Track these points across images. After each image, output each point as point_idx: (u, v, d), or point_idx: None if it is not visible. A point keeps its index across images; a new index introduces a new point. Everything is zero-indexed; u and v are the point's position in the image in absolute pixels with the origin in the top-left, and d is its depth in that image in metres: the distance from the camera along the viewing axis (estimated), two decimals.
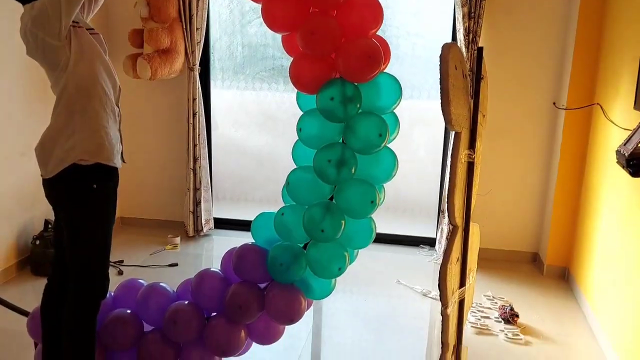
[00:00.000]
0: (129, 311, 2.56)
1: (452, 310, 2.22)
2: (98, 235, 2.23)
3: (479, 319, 3.34)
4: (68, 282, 2.27)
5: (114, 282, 3.35)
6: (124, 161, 2.33)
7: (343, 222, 2.42)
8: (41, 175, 2.22)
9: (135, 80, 4.25)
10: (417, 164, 4.45)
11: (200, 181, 4.51)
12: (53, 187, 2.18)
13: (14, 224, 3.68)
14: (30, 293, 3.44)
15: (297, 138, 2.53)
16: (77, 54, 2.09)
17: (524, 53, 3.88)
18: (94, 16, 2.38)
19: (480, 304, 3.53)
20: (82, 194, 2.17)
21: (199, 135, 4.42)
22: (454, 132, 2.02)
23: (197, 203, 4.54)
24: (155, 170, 4.71)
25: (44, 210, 3.90)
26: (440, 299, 2.13)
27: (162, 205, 4.76)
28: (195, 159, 4.46)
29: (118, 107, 2.29)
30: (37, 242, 3.66)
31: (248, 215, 4.69)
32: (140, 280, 2.72)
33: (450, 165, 2.03)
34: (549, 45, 3.84)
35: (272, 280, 2.56)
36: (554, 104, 3.90)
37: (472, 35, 3.69)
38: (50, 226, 3.75)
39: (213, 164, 4.73)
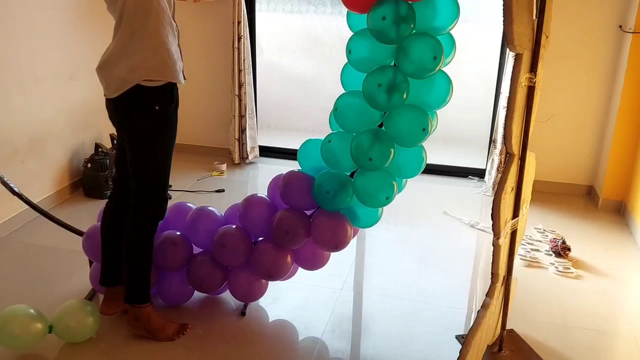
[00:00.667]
0: (178, 233, 2.61)
1: (504, 241, 2.16)
2: (159, 156, 2.27)
3: (528, 252, 3.28)
4: (129, 202, 2.33)
5: None
6: (184, 78, 2.30)
7: (392, 150, 2.35)
8: (104, 95, 2.22)
9: (179, 3, 4.15)
10: (467, 92, 4.28)
11: (246, 108, 4.47)
12: (116, 107, 2.20)
13: (67, 146, 3.76)
14: (84, 213, 3.55)
15: (346, 61, 2.44)
16: None
17: None
18: None
19: (530, 236, 3.46)
20: (145, 116, 2.17)
21: (244, 60, 4.35)
22: (514, 54, 1.89)
23: (242, 130, 4.52)
24: (201, 96, 4.70)
25: (95, 134, 3.97)
26: (493, 229, 2.07)
27: (208, 132, 4.77)
28: (240, 85, 4.40)
29: (175, 22, 2.23)
30: (89, 165, 3.74)
31: (292, 143, 4.68)
32: (189, 204, 2.76)
33: (510, 89, 1.91)
34: None
35: (319, 208, 2.55)
36: (620, 27, 3.63)
37: None
38: (100, 149, 3.81)
39: (258, 90, 4.67)
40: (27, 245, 3.19)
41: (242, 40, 4.28)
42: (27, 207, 2.73)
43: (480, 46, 4.23)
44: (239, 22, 4.24)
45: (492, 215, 2.04)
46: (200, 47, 4.56)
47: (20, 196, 2.58)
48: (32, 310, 2.30)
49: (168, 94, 2.20)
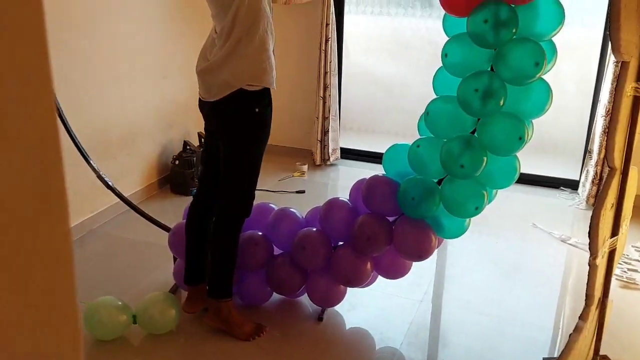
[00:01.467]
0: (260, 233, 2.62)
1: (601, 261, 2.01)
2: (254, 156, 2.33)
3: (625, 272, 3.05)
4: (215, 199, 2.38)
5: None
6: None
7: (485, 158, 2.24)
8: (202, 98, 2.29)
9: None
10: (562, 97, 4.04)
11: (329, 110, 4.46)
12: (217, 110, 2.25)
13: (156, 143, 3.88)
14: (170, 209, 3.65)
15: (435, 65, 2.36)
16: None
17: None
18: None
19: (628, 255, 3.22)
20: (245, 118, 2.25)
21: (330, 62, 4.34)
22: (620, 62, 1.75)
23: (325, 132, 4.52)
24: (286, 96, 4.73)
25: (183, 132, 4.09)
26: (589, 247, 1.93)
27: (292, 133, 4.79)
28: (325, 87, 4.40)
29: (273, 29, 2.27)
30: (177, 162, 3.85)
31: (375, 146, 4.62)
32: (271, 205, 2.76)
33: (614, 99, 1.77)
34: None
35: (403, 214, 2.48)
36: None
37: None
38: (188, 147, 3.92)
39: (342, 92, 4.64)
40: (116, 238, 3.32)
41: (330, 42, 4.28)
42: (118, 200, 2.84)
43: (578, 49, 3.98)
44: (327, 24, 4.23)
45: (589, 233, 1.90)
46: (287, 49, 4.60)
47: (114, 190, 2.68)
48: (119, 302, 2.39)
49: (266, 97, 2.28)
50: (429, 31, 4.25)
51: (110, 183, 2.65)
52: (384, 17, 4.44)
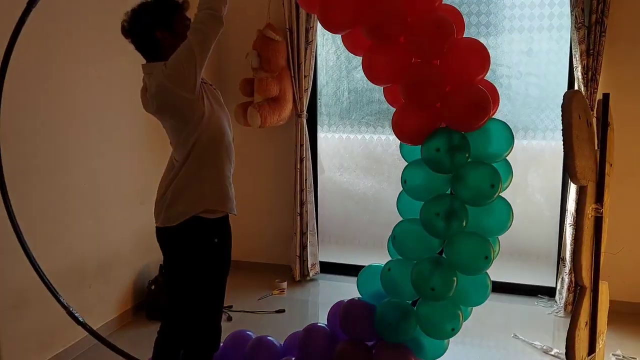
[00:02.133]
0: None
1: None
2: (210, 286, 2.28)
3: None
4: (179, 333, 2.31)
5: (225, 329, 3.41)
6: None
7: (455, 279, 2.29)
8: (156, 225, 2.27)
9: (245, 128, 4.39)
10: (532, 207, 4.17)
11: (307, 225, 4.52)
12: (171, 236, 2.22)
13: (132, 268, 3.87)
14: (145, 338, 3.56)
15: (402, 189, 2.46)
16: (209, 106, 2.17)
17: None
18: (207, 67, 2.48)
19: None
20: (201, 246, 2.21)
21: (305, 180, 4.46)
22: (578, 186, 1.85)
23: (303, 247, 4.55)
24: (263, 214, 4.81)
25: (160, 256, 4.07)
26: None
27: (270, 249, 4.82)
28: (302, 204, 4.49)
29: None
30: (152, 287, 3.82)
31: (354, 259, 4.65)
32: (248, 332, 2.73)
33: (576, 222, 1.86)
34: None
35: (381, 339, 2.47)
36: None
37: (591, 73, 3.44)
38: (164, 271, 3.90)
39: (319, 207, 4.74)
40: None
41: (305, 161, 4.43)
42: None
43: (543, 161, 4.16)
44: (301, 145, 4.40)
45: (566, 354, 1.91)
46: (264, 168, 4.74)
47: (84, 325, 2.64)
48: None
49: (223, 224, 2.27)
50: (398, 147, 4.43)
51: (80, 319, 2.61)
52: (355, 134, 4.64)
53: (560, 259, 3.93)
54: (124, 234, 3.77)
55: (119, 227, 3.72)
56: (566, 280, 3.80)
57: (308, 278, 4.61)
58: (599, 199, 1.97)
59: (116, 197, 3.67)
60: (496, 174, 2.20)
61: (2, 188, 2.39)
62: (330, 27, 2.29)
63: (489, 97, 2.14)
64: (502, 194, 2.34)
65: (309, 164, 4.48)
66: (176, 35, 2.15)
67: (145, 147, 3.91)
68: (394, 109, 2.42)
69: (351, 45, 2.37)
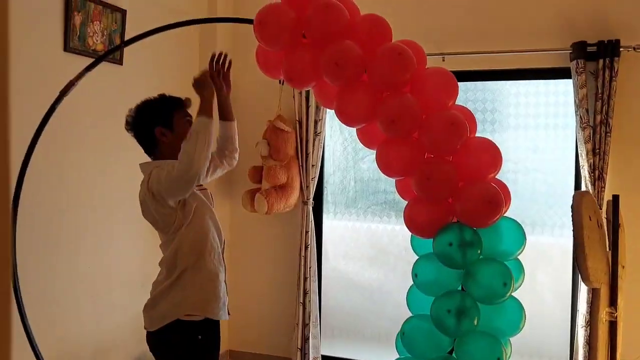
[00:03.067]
0: None
1: None
2: None
3: None
4: None
5: None
6: (229, 313, 2.32)
7: None
8: (145, 328, 2.26)
9: (251, 214, 4.40)
10: (542, 307, 4.08)
11: (310, 316, 4.42)
12: (157, 340, 2.22)
13: (129, 356, 3.75)
14: None
15: (412, 283, 2.42)
16: (189, 215, 2.17)
17: None
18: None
19: None
20: (185, 347, 2.18)
21: (309, 268, 4.41)
22: (591, 289, 1.82)
23: (305, 339, 4.42)
24: (265, 302, 4.71)
25: None
26: None
27: (270, 340, 4.68)
28: (305, 293, 4.41)
29: (223, 259, 2.33)
30: None
31: (358, 354, 4.50)
32: None
33: (590, 327, 1.81)
34: None
35: None
36: None
37: (597, 172, 3.48)
38: None
39: (323, 297, 4.65)
40: None
41: (309, 248, 4.40)
42: None
43: (553, 258, 4.12)
44: (306, 232, 4.39)
45: None
46: (269, 254, 4.70)
47: None
48: None
49: (210, 328, 2.23)
50: (405, 237, 4.39)
51: None
52: (361, 223, 4.64)
53: None
54: (122, 319, 3.69)
55: (117, 311, 3.64)
56: None
57: None
58: (613, 302, 1.93)
59: (117, 280, 3.61)
60: (508, 272, 2.18)
61: (14, 278, 2.37)
62: (347, 121, 2.36)
63: (501, 195, 2.16)
64: (514, 294, 2.30)
65: (313, 251, 4.45)
66: (176, 133, 2.24)
67: (148, 228, 3.90)
68: (400, 199, 2.43)
69: (365, 139, 2.43)
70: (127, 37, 3.38)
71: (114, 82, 3.45)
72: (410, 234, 2.47)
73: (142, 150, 2.37)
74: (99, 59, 2.70)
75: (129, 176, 3.65)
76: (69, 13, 2.99)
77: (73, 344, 3.26)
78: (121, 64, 3.47)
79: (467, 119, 2.24)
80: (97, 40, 3.21)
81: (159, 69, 3.90)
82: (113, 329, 3.60)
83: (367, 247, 4.71)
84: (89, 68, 2.55)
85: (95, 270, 3.43)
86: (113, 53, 3.24)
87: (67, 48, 3.03)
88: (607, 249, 1.95)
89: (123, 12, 3.40)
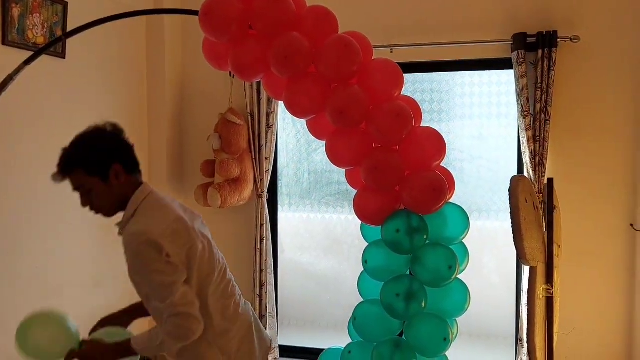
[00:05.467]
0: None
1: None
2: None
3: None
4: None
5: None
6: None
7: None
8: None
9: (205, 208, 4.40)
10: (488, 288, 4.24)
11: (266, 307, 4.45)
12: None
13: None
14: None
15: (363, 269, 2.49)
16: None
17: (594, 175, 3.74)
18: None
19: None
20: None
21: (265, 260, 4.44)
22: (529, 267, 1.93)
23: None
24: None
25: None
26: None
27: None
28: (261, 285, 4.44)
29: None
30: None
31: (315, 342, 4.57)
32: None
33: (528, 303, 1.91)
34: (620, 165, 3.71)
35: None
36: (632, 225, 3.69)
37: (538, 158, 3.64)
38: None
39: (279, 288, 4.69)
40: None
41: (265, 241, 4.42)
42: None
43: (498, 241, 4.29)
44: (261, 225, 4.42)
45: None
46: (223, 249, 4.63)
47: None
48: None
49: None
50: (358, 227, 4.49)
51: None
52: (316, 214, 4.70)
53: (518, 339, 3.97)
54: (76, 317, 3.62)
55: (71, 310, 3.57)
56: None
57: None
58: (549, 279, 2.04)
59: (69, 279, 3.56)
60: (453, 255, 2.27)
61: None
62: (296, 113, 2.40)
63: (445, 182, 2.25)
64: (459, 276, 2.40)
65: (269, 243, 4.48)
66: (124, 183, 1.94)
67: (101, 226, 3.85)
68: (354, 190, 2.49)
69: (315, 129, 2.48)
70: (69, 30, 3.32)
71: (56, 76, 3.38)
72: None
73: None
74: (38, 51, 2.63)
75: None
76: (7, 5, 2.91)
77: None
78: (64, 58, 3.39)
79: (412, 109, 2.32)
80: (37, 33, 3.14)
81: (104, 63, 3.83)
82: None
83: (322, 237, 4.79)
84: (28, 61, 2.49)
85: (45, 271, 3.37)
86: (54, 46, 3.16)
87: (5, 41, 2.95)
88: (543, 230, 2.06)
89: (64, 4, 3.32)
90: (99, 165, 1.87)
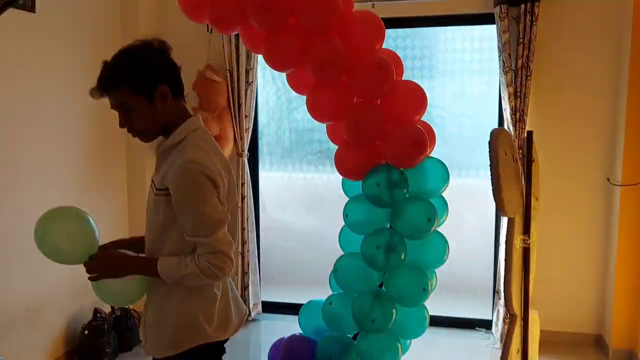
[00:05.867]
0: None
1: None
2: None
3: None
4: None
5: None
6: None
7: (394, 310, 2.33)
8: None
9: None
10: (468, 243, 4.31)
11: (249, 265, 4.49)
12: None
13: (64, 313, 3.70)
14: None
15: (344, 223, 2.51)
16: None
17: (573, 130, 3.79)
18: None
19: None
20: None
21: (247, 218, 4.45)
22: (507, 218, 1.95)
23: (244, 287, 4.50)
24: None
25: (94, 299, 3.92)
26: None
27: None
28: (243, 243, 4.46)
29: None
30: (86, 332, 3.66)
31: (297, 298, 4.62)
32: None
33: (505, 253, 1.95)
34: (598, 121, 3.76)
35: None
36: (608, 180, 3.76)
37: (519, 114, 3.65)
38: (99, 315, 3.75)
39: (261, 246, 4.72)
40: None
41: (246, 200, 4.42)
42: None
43: (477, 198, 4.34)
44: (242, 184, 4.40)
45: None
46: None
47: None
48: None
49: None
50: (339, 186, 4.51)
51: None
52: (297, 173, 4.70)
53: (495, 292, 4.06)
54: (56, 278, 3.61)
55: (50, 270, 3.53)
56: (501, 312, 3.92)
57: (250, 318, 4.54)
58: (526, 230, 2.08)
59: None
60: (432, 208, 2.29)
61: None
62: (275, 66, 2.36)
63: (426, 136, 2.25)
64: (439, 229, 2.43)
65: (250, 202, 4.48)
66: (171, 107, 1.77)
67: (79, 186, 3.80)
68: (335, 149, 2.48)
69: (295, 84, 2.45)
70: None
71: (26, 31, 3.27)
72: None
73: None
74: (5, 4, 2.53)
75: (50, 129, 3.53)
76: None
77: (3, 304, 3.19)
78: (33, 12, 3.28)
79: (393, 62, 2.30)
80: None
81: (76, 17, 3.70)
82: (45, 287, 3.53)
83: (304, 196, 4.79)
84: None
85: (23, 227, 3.33)
86: None
87: None
88: (522, 182, 2.08)
89: None
90: (145, 85, 1.68)
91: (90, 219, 1.90)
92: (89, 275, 1.82)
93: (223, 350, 1.94)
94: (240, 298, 2.03)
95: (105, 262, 1.82)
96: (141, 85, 1.67)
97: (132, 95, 1.68)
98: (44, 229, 1.87)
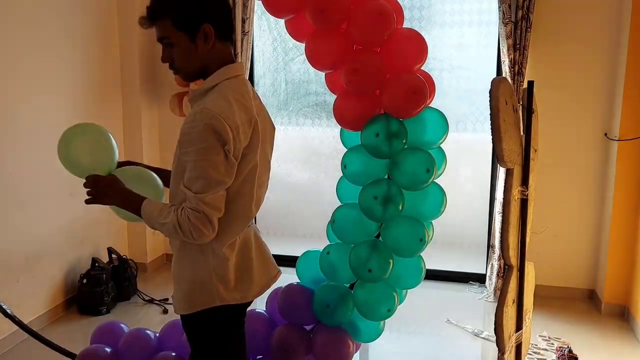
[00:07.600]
0: (173, 354, 2.53)
1: (509, 355, 2.10)
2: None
3: None
4: None
5: (159, 321, 3.36)
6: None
7: (391, 261, 2.35)
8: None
9: (180, 119, 4.32)
10: (464, 198, 4.33)
11: None
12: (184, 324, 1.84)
13: (63, 262, 3.73)
14: (78, 333, 3.46)
15: (342, 174, 2.50)
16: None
17: (572, 83, 3.76)
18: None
19: (536, 344, 3.36)
20: (215, 337, 1.81)
21: None
22: (505, 169, 1.94)
23: None
24: None
25: (92, 249, 3.96)
26: (497, 345, 2.02)
27: None
28: None
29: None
30: (84, 280, 3.70)
31: (293, 250, 4.67)
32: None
33: (503, 203, 1.95)
34: (598, 75, 3.72)
35: (319, 322, 2.50)
36: (606, 134, 3.75)
37: (517, 67, 3.61)
38: (97, 264, 3.78)
39: None
40: None
41: None
42: (19, 328, 2.67)
43: (474, 152, 4.34)
44: None
45: (495, 330, 2.00)
46: None
47: (12, 318, 2.53)
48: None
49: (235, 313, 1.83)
50: (336, 139, 4.49)
51: (8, 311, 2.50)
52: (293, 126, 4.67)
53: (490, 246, 4.11)
54: (53, 227, 3.63)
55: (48, 220, 3.57)
56: (495, 266, 3.98)
57: None
58: (525, 182, 2.07)
59: (44, 189, 3.52)
60: (431, 159, 2.28)
61: None
62: (274, 12, 2.30)
63: (426, 85, 2.22)
64: (436, 181, 2.43)
65: None
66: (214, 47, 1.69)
67: None
68: (332, 102, 2.45)
69: (294, 30, 2.39)
70: None
71: None
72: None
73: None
74: None
75: (45, 84, 3.47)
76: None
77: (3, 253, 3.20)
78: None
79: (394, 9, 2.24)
80: None
81: None
82: (44, 237, 3.55)
83: (300, 149, 4.78)
84: None
85: (21, 178, 3.32)
86: None
87: None
88: (521, 133, 2.07)
89: None
90: (188, 21, 1.60)
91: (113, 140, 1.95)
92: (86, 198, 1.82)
93: (243, 314, 1.87)
94: (271, 259, 1.99)
95: (96, 187, 1.79)
96: (183, 21, 1.60)
97: (174, 30, 1.62)
98: (70, 139, 1.92)
